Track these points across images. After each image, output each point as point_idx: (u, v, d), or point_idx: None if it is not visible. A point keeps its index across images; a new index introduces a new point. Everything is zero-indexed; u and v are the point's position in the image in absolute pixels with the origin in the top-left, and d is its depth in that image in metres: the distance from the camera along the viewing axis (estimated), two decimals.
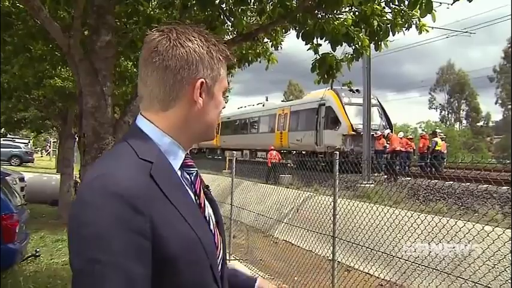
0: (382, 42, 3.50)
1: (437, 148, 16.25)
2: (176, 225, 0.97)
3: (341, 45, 3.27)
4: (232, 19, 4.09)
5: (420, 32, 3.74)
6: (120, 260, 0.87)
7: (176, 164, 1.07)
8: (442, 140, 17.24)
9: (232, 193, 9.37)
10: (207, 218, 1.10)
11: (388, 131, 16.96)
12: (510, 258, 4.33)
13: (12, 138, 33.26)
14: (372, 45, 3.58)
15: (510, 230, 4.69)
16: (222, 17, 4.12)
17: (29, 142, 35.50)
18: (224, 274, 1.15)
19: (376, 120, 18.65)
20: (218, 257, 1.11)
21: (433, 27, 4.18)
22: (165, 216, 0.95)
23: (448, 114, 58.85)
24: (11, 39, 4.35)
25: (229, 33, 4.40)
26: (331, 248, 5.83)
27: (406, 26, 3.63)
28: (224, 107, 1.18)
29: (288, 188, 13.47)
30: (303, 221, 9.35)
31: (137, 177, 0.94)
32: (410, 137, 19.69)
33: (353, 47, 3.35)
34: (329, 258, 6.79)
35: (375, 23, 3.32)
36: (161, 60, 1.03)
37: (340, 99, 18.83)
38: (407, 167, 15.45)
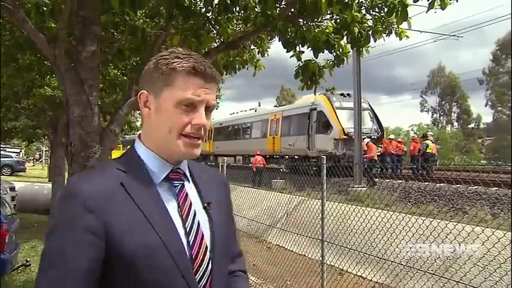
0: (364, 49, 3.57)
1: (428, 151, 16.38)
2: (138, 229, 1.05)
3: (323, 52, 3.34)
4: (218, 27, 4.15)
5: (400, 38, 3.82)
6: (65, 252, 1.00)
7: (159, 176, 1.15)
8: (433, 143, 17.40)
9: None
10: (188, 229, 1.13)
11: (367, 140, 16.98)
12: (510, 261, 4.38)
13: (4, 147, 32.99)
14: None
15: (510, 233, 4.74)
16: (207, 25, 4.18)
17: (21, 151, 35.21)
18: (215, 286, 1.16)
19: (368, 124, 18.77)
20: (198, 268, 1.13)
21: (421, 31, 4.27)
22: (125, 219, 1.04)
23: (439, 116, 59.35)
24: None
25: (216, 41, 4.46)
26: (320, 251, 5.87)
27: (387, 32, 3.71)
28: (199, 122, 1.13)
29: (280, 192, 13.50)
30: (295, 225, 9.38)
31: (102, 182, 1.07)
32: (400, 140, 19.83)
33: (334, 53, 3.42)
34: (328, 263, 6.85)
35: (356, 29, 3.39)
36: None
37: (332, 104, 18.91)
38: (398, 170, 15.59)
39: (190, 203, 1.17)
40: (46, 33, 3.10)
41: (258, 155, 20.51)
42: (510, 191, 9.62)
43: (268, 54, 5.26)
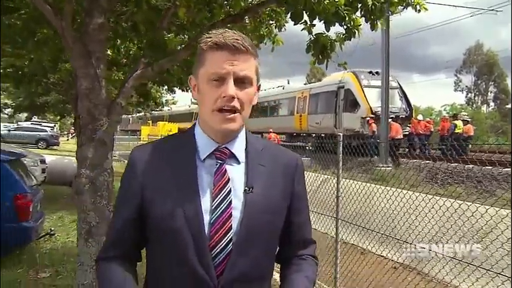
0: (378, 22, 3.41)
1: (456, 131, 15.87)
2: (167, 193, 1.20)
3: (334, 25, 3.21)
4: (231, 0, 4.05)
5: (418, 11, 3.63)
6: (117, 204, 1.32)
7: (203, 153, 1.25)
8: (467, 123, 16.80)
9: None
10: (214, 205, 1.19)
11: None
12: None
13: (39, 122, 34.16)
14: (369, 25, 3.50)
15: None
16: None
17: (55, 126, 36.38)
18: (229, 268, 1.18)
19: (397, 103, 18.32)
20: (215, 245, 1.17)
21: (456, 6, 4.03)
22: (158, 187, 1.21)
23: (474, 96, 57.19)
24: (16, 24, 4.44)
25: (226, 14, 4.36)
26: (342, 229, 5.85)
27: (404, 4, 3.54)
28: (225, 94, 1.16)
29: (306, 171, 13.43)
30: (318, 204, 9.35)
31: (150, 153, 1.27)
32: (428, 119, 19.29)
33: (345, 26, 3.28)
34: (344, 240, 6.84)
35: (370, 1, 3.24)
36: None
37: (360, 82, 18.55)
38: (426, 150, 15.23)
39: (226, 182, 1.21)
40: (54, 5, 3.08)
41: (271, 132, 21.94)
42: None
43: (285, 29, 5.12)
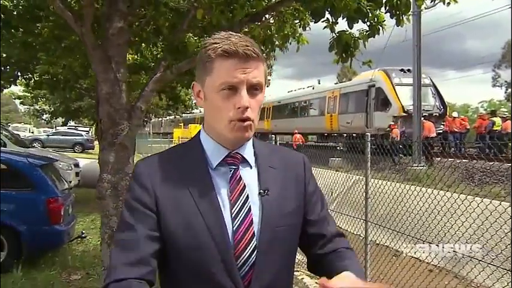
0: (404, 17, 3.27)
1: (495, 128, 15.23)
2: (184, 209, 1.12)
3: (357, 22, 3.09)
4: (252, 0, 4.00)
5: (448, 4, 3.46)
6: (131, 221, 1.13)
7: (214, 161, 1.18)
8: (506, 120, 16.11)
9: None
10: (234, 214, 1.14)
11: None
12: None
13: (75, 126, 35.27)
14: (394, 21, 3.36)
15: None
16: None
17: (90, 130, 37.48)
18: (256, 277, 1.13)
19: (430, 100, 17.80)
20: (240, 255, 1.12)
21: None
22: (174, 199, 1.13)
23: None
24: (42, 31, 4.55)
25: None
26: (373, 230, 5.69)
27: None
28: (241, 105, 1.11)
29: (337, 171, 13.24)
30: (349, 205, 9.17)
31: (159, 164, 1.18)
32: (463, 117, 18.63)
33: (368, 23, 3.16)
34: (376, 242, 6.66)
35: None
36: None
37: (391, 80, 18.14)
38: (461, 149, 14.70)
39: (243, 188, 1.17)
40: (74, 11, 3.12)
41: (296, 133, 21.99)
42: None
43: (309, 28, 5.02)
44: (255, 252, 1.13)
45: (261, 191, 1.18)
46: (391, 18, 3.30)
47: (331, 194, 10.86)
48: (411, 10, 3.25)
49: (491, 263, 4.72)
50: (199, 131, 1.26)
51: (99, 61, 3.18)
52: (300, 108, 28.47)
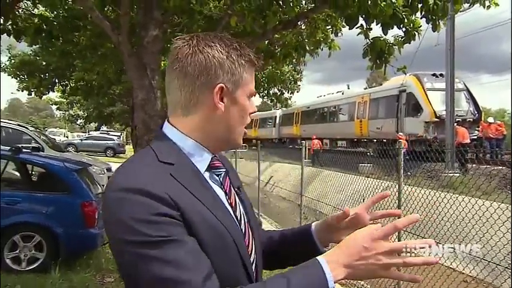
0: (441, 22, 3.21)
1: None
2: (202, 215, 1.01)
3: (392, 28, 3.05)
4: (285, 7, 4.01)
5: (488, 8, 3.36)
6: (154, 237, 0.92)
7: (202, 165, 1.11)
8: None
9: (302, 183, 9.33)
10: (238, 217, 1.13)
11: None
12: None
13: (107, 131, 36.14)
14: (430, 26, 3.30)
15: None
16: (273, 5, 4.07)
17: (121, 135, 38.28)
18: (259, 276, 1.16)
19: (463, 106, 17.34)
20: (251, 255, 1.13)
21: None
22: (190, 207, 0.99)
23: None
24: (80, 40, 4.70)
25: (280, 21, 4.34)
26: (406, 238, 5.55)
27: (470, 1, 3.30)
28: (254, 112, 1.16)
29: (368, 177, 13.04)
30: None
31: (157, 176, 1.00)
32: (499, 122, 18.04)
33: (403, 29, 3.11)
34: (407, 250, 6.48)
35: (431, 0, 3.05)
36: (181, 67, 1.07)
37: (422, 85, 17.78)
38: (498, 155, 14.24)
39: (234, 191, 1.16)
40: (111, 20, 3.21)
41: (314, 138, 22.53)
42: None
43: (341, 34, 5.01)
44: (254, 252, 1.15)
45: (236, 189, 1.18)
46: (427, 23, 3.24)
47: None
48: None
49: None
50: (163, 130, 1.13)
51: (135, 68, 3.25)
52: (330, 114, 28.27)
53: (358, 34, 3.31)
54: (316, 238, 1.27)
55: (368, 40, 3.32)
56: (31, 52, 10.78)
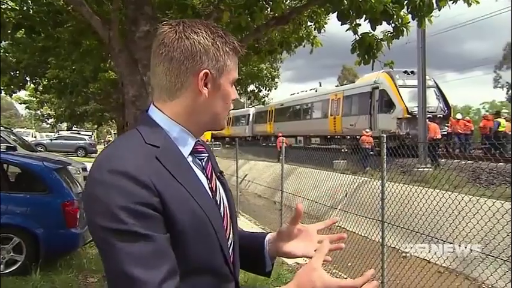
0: (426, 18, 3.32)
1: (500, 129, 15.30)
2: (184, 201, 1.02)
3: (380, 24, 3.14)
4: (271, 3, 4.06)
5: (469, 5, 3.50)
6: (130, 227, 0.94)
7: (186, 150, 1.13)
8: (507, 121, 16.22)
9: (282, 180, 9.40)
10: (218, 201, 1.16)
11: None
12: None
13: (78, 131, 35.33)
14: (416, 22, 3.41)
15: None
16: (260, 1, 4.10)
17: (93, 134, 37.49)
18: (236, 259, 1.19)
19: (433, 102, 17.85)
20: (228, 239, 1.15)
21: None
22: (173, 193, 1.01)
23: None
24: (63, 36, 4.60)
25: (268, 18, 4.37)
26: (389, 232, 5.71)
27: None
28: (236, 98, 1.20)
29: (342, 173, 13.25)
30: (356, 206, 9.18)
31: (143, 159, 1.01)
32: (468, 118, 18.69)
33: (393, 25, 3.20)
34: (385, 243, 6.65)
35: None
36: (167, 51, 1.08)
37: (395, 82, 18.19)
38: (467, 150, 14.75)
39: (215, 176, 1.19)
40: (101, 15, 3.17)
41: (280, 136, 23.03)
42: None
43: (324, 30, 5.08)
44: (232, 237, 1.18)
45: (218, 174, 1.22)
46: (413, 19, 3.35)
47: (345, 196, 10.90)
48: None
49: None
50: (148, 113, 1.14)
51: (126, 64, 3.23)
52: (303, 111, 28.53)
53: (347, 30, 3.38)
54: (266, 250, 1.31)
55: (357, 36, 3.40)
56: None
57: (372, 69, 3.48)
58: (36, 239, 5.71)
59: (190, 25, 1.10)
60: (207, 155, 1.18)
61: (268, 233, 1.35)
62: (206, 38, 1.10)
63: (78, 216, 6.02)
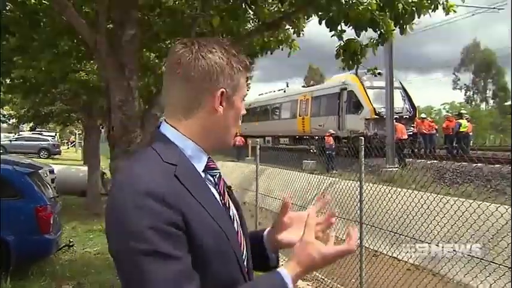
0: (408, 26, 3.43)
1: (461, 130, 15.94)
2: (204, 220, 1.04)
3: (366, 31, 3.23)
4: (254, 8, 4.08)
5: (447, 13, 3.64)
6: (159, 248, 0.94)
7: (200, 166, 1.13)
8: (468, 122, 16.92)
9: (257, 180, 9.41)
10: (232, 217, 1.17)
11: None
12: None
13: (40, 131, 34.14)
14: (398, 29, 3.52)
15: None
16: (244, 6, 4.11)
17: (56, 135, 36.31)
18: (250, 270, 1.19)
19: (399, 103, 18.36)
20: (243, 253, 1.16)
21: (458, 5, 4.04)
22: (193, 211, 1.02)
23: (473, 94, 57.33)
24: (39, 36, 4.45)
25: (251, 22, 4.39)
26: (358, 234, 5.81)
27: (433, 7, 3.55)
28: (244, 113, 1.23)
29: (311, 173, 13.41)
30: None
31: (163, 178, 1.02)
32: (430, 119, 19.37)
33: (378, 31, 3.30)
34: (357, 244, 6.77)
35: (400, 6, 3.25)
36: (184, 71, 1.10)
37: (362, 83, 18.59)
38: (431, 150, 15.28)
39: (227, 192, 1.19)
40: (86, 19, 3.10)
41: (237, 135, 23.27)
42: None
43: (303, 34, 5.14)
44: (245, 249, 1.18)
45: (227, 189, 1.22)
46: (395, 26, 3.45)
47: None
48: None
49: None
50: (161, 130, 1.15)
51: (112, 68, 3.17)
52: (272, 111, 28.68)
53: (332, 36, 3.45)
54: (266, 243, 1.31)
55: (342, 41, 3.48)
56: None
57: (356, 74, 3.57)
58: (7, 245, 5.51)
59: (205, 44, 1.12)
60: (219, 171, 1.18)
61: (265, 228, 1.35)
62: (221, 58, 1.12)
63: (51, 222, 5.85)
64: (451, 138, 16.67)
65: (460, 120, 16.61)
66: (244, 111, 1.21)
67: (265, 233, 1.32)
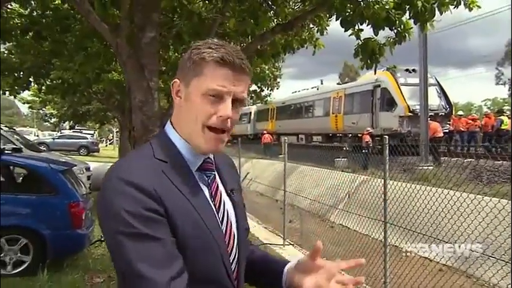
0: (428, 23, 3.37)
1: (503, 127, 15.32)
2: (187, 213, 1.08)
3: (383, 29, 3.19)
4: (275, 8, 4.11)
5: (470, 9, 3.55)
6: (139, 230, 1.00)
7: (193, 165, 1.17)
8: (509, 118, 16.24)
9: (284, 178, 9.43)
10: (221, 218, 1.17)
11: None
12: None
13: (80, 129, 35.41)
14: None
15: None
16: (264, 6, 4.15)
17: (95, 133, 37.54)
18: (240, 275, 1.22)
19: (435, 100, 17.86)
20: (230, 254, 1.18)
21: None
22: (176, 203, 1.07)
23: None
24: (70, 40, 4.66)
25: (273, 22, 4.41)
26: (392, 232, 5.75)
27: (455, 3, 3.46)
28: (224, 115, 1.12)
29: (343, 171, 13.27)
30: (358, 205, 9.22)
31: (150, 172, 1.07)
32: (474, 116, 18.65)
33: (395, 30, 3.25)
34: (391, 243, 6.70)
35: (419, 3, 3.19)
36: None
37: (396, 80, 18.20)
38: (468, 148, 14.78)
39: (221, 193, 1.21)
40: (109, 22, 3.22)
41: (265, 133, 25.45)
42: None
43: (327, 33, 5.12)
44: (236, 253, 1.19)
45: (229, 192, 1.24)
46: (415, 24, 3.39)
47: (347, 196, 10.94)
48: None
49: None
50: (165, 130, 1.20)
51: (133, 70, 3.28)
52: (305, 109, 28.54)
53: (350, 35, 3.44)
54: (284, 282, 1.26)
55: (360, 41, 3.45)
56: (3, 50, 10.51)
57: (375, 73, 3.52)
58: (43, 239, 5.78)
59: (201, 45, 1.14)
60: (214, 173, 1.21)
61: (289, 261, 1.30)
62: (191, 50, 1.14)
63: (83, 217, 6.09)
64: (490, 136, 16.06)
65: (501, 117, 15.98)
66: (214, 110, 1.11)
67: (288, 266, 1.27)
